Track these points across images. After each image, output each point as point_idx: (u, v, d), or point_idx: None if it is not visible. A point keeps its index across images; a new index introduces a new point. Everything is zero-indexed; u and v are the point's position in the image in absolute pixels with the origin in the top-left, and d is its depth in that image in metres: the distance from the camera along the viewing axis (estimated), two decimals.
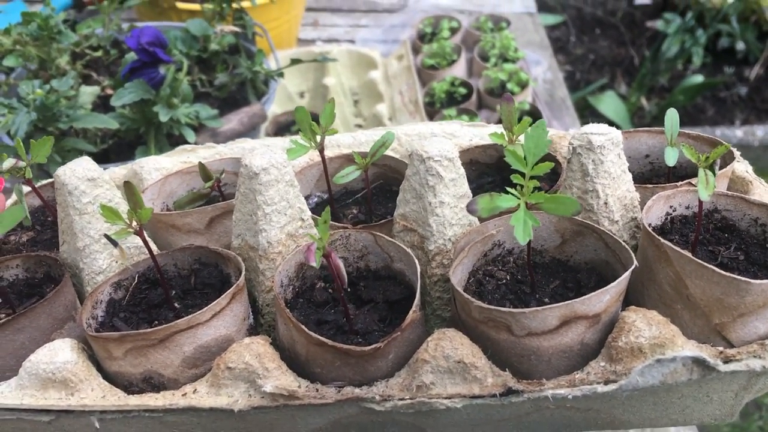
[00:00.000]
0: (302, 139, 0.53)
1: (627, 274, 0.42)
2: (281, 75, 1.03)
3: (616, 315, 0.44)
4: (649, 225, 0.47)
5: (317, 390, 0.42)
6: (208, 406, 0.42)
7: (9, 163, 0.50)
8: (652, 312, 0.42)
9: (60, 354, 0.43)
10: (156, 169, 0.61)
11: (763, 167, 2.13)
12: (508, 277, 0.48)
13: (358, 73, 1.47)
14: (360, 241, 0.51)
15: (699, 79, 2.48)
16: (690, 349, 0.40)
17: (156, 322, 0.47)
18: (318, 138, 0.53)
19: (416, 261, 0.46)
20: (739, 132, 2.33)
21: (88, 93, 0.91)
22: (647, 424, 0.46)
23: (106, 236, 0.44)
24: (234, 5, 0.99)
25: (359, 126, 1.39)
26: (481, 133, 0.66)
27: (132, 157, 0.91)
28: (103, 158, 0.96)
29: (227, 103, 1.06)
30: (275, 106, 1.41)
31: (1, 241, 0.56)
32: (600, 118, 1.36)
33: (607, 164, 0.48)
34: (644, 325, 0.41)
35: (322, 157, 0.55)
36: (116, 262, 0.51)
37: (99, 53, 0.95)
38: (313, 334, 0.41)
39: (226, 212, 0.54)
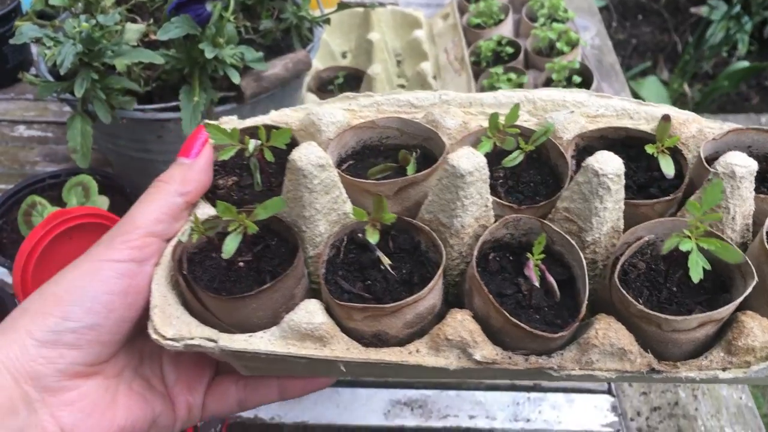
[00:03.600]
0: (488, 135, 0.63)
1: (750, 289, 0.56)
2: (327, 21, 1.06)
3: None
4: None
5: (510, 357, 0.57)
6: (431, 365, 0.56)
7: (253, 144, 0.59)
8: (765, 320, 0.57)
9: (317, 316, 0.56)
10: (332, 122, 0.70)
11: None
12: (644, 267, 0.61)
13: (401, 33, 1.48)
14: (528, 224, 0.62)
15: (744, 64, 2.45)
16: None
17: (368, 282, 0.60)
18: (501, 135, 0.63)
19: (581, 255, 0.59)
20: None
21: (134, 30, 0.95)
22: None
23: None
24: None
25: (402, 86, 1.41)
26: (607, 104, 0.74)
27: (175, 99, 0.97)
28: (146, 100, 1.03)
29: (272, 51, 1.10)
30: (318, 62, 1.43)
31: (214, 186, 0.65)
32: None
33: (742, 189, 0.60)
34: (759, 332, 0.56)
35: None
36: (331, 226, 0.62)
37: None
38: (513, 319, 0.55)
39: (411, 184, 0.65)
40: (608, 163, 0.59)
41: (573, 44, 1.35)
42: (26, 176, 1.29)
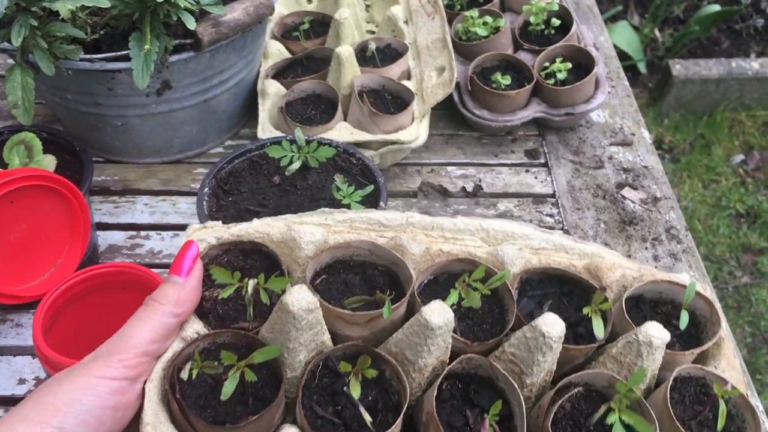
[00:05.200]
0: (456, 287, 0.72)
1: None
2: None
3: None
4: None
5: None
6: None
7: (251, 284, 0.65)
8: None
9: None
10: (311, 241, 0.76)
11: None
12: (570, 407, 0.73)
13: None
14: (478, 362, 0.72)
15: (715, 8, 2.55)
16: None
17: (339, 407, 0.68)
18: None
19: (521, 395, 0.69)
20: (755, 64, 2.43)
21: None
22: None
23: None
24: None
25: (371, 32, 1.41)
26: (548, 238, 0.85)
27: (126, 48, 0.93)
28: (94, 49, 0.98)
29: None
30: (282, 7, 1.41)
31: (204, 298, 0.71)
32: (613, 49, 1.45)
33: (656, 355, 0.72)
34: None
35: None
36: (309, 353, 0.69)
37: None
38: None
39: (381, 315, 0.73)
40: (554, 327, 0.69)
41: None
42: None
